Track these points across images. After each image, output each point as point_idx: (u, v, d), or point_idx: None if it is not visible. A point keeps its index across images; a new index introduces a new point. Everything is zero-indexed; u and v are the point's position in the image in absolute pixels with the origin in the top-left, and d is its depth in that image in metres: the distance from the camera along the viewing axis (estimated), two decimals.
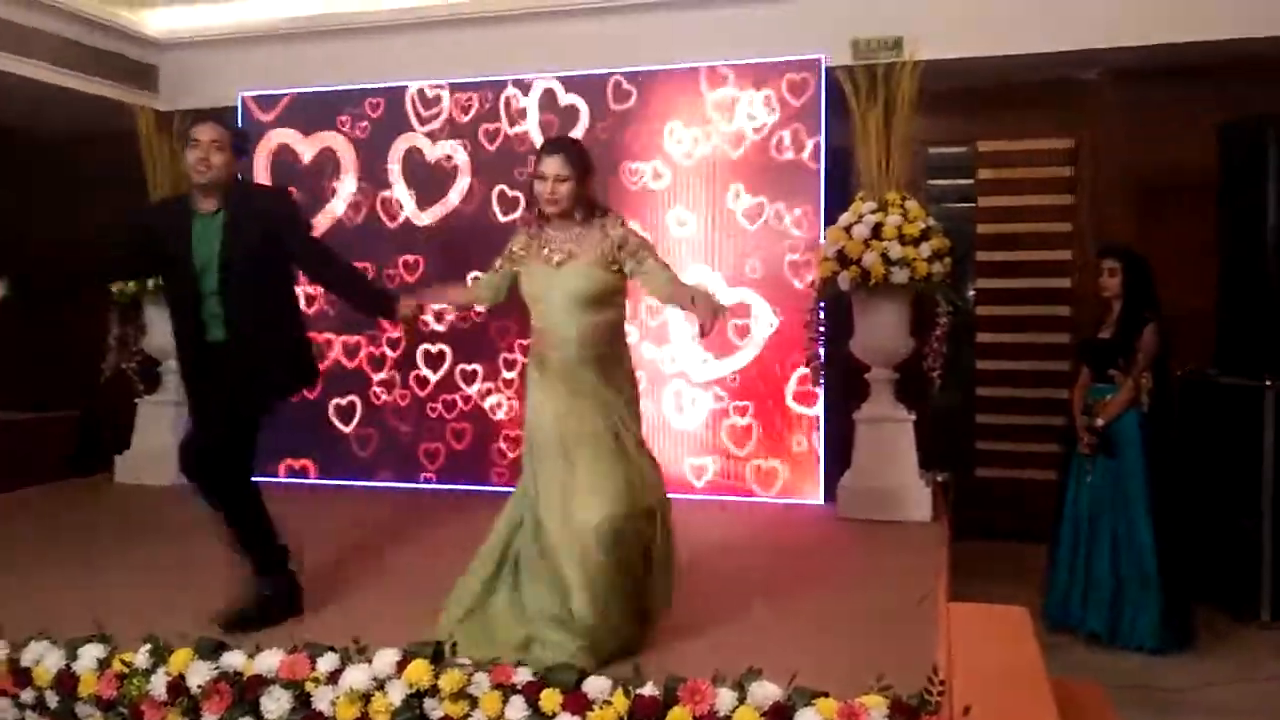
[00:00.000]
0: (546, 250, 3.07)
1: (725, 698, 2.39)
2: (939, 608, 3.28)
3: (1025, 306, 5.85)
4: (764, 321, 5.28)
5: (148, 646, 2.76)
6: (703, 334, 2.90)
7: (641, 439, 3.12)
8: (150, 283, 5.70)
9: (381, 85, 5.84)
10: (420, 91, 5.79)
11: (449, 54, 5.86)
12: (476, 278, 3.52)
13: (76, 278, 3.84)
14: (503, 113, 5.67)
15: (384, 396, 5.82)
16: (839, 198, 5.14)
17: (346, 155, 5.89)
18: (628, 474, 2.97)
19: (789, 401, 5.23)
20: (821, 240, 5.05)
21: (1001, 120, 5.83)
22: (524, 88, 5.64)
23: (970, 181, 6.04)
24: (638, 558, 2.99)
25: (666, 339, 5.42)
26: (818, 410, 5.19)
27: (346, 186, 5.90)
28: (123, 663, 2.73)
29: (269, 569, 3.39)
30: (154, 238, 3.40)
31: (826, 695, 2.38)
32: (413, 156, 5.82)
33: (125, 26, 6.14)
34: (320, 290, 5.65)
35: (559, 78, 5.58)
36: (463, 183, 5.74)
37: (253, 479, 3.44)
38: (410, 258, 5.78)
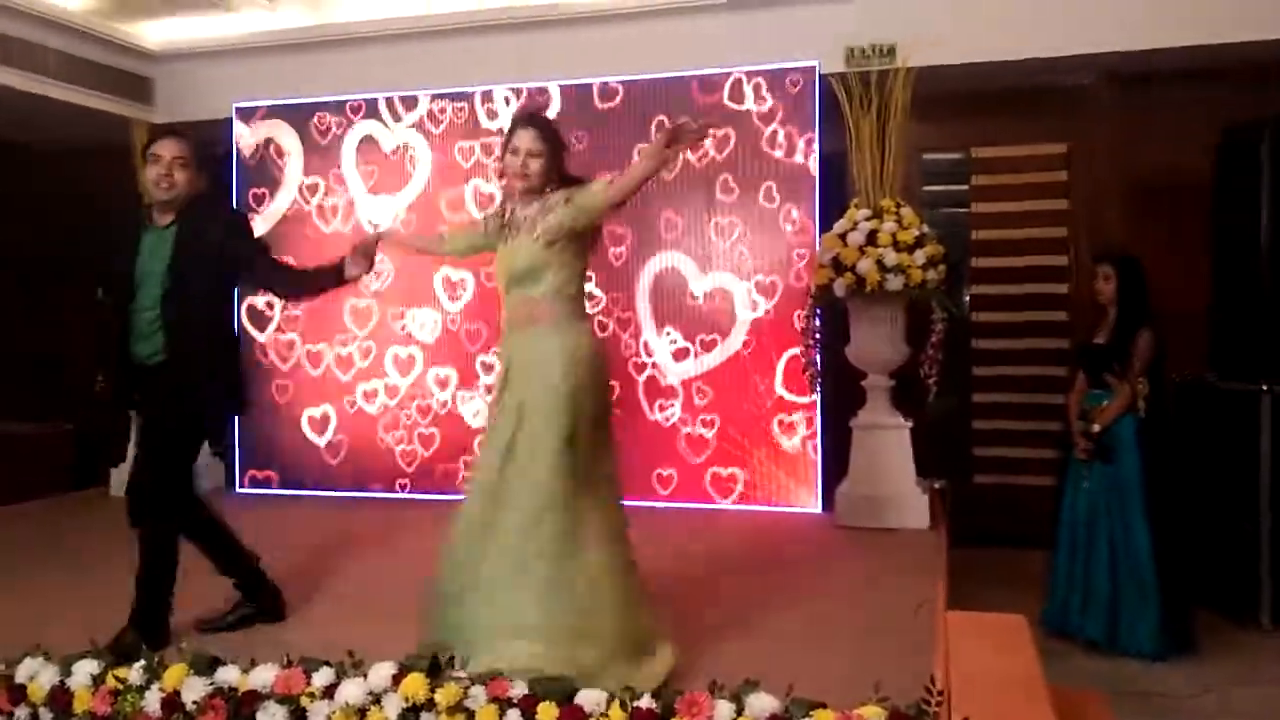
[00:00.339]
0: (507, 229, 3.00)
1: (723, 709, 2.38)
2: (937, 616, 3.26)
3: (1021, 312, 5.85)
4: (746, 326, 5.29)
5: (141, 662, 2.75)
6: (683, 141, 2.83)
7: (571, 435, 2.86)
8: None
9: (370, 94, 5.88)
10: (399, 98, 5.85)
11: (439, 63, 5.87)
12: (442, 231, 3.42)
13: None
14: (482, 118, 5.71)
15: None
16: (834, 204, 5.14)
17: (328, 161, 5.94)
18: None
19: (784, 408, 5.23)
20: (817, 247, 5.05)
21: (996, 126, 5.83)
22: (516, 94, 5.67)
23: (965, 187, 6.04)
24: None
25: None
26: (814, 417, 5.19)
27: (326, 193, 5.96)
28: (117, 679, 2.72)
29: (253, 587, 3.47)
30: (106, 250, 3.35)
31: (824, 706, 2.37)
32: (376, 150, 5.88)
33: (123, 40, 6.15)
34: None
35: (557, 84, 5.60)
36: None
37: (196, 504, 3.40)
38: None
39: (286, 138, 6.02)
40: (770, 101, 5.28)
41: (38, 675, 2.78)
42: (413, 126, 5.82)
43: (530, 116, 3.09)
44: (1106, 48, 5.12)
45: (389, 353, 5.84)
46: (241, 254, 3.34)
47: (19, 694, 2.77)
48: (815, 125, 5.21)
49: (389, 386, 5.85)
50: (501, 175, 3.09)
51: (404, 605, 3.17)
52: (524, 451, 2.84)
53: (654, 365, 5.45)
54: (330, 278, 3.41)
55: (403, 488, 5.79)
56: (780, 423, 5.23)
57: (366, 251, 3.34)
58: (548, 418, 2.84)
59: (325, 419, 5.94)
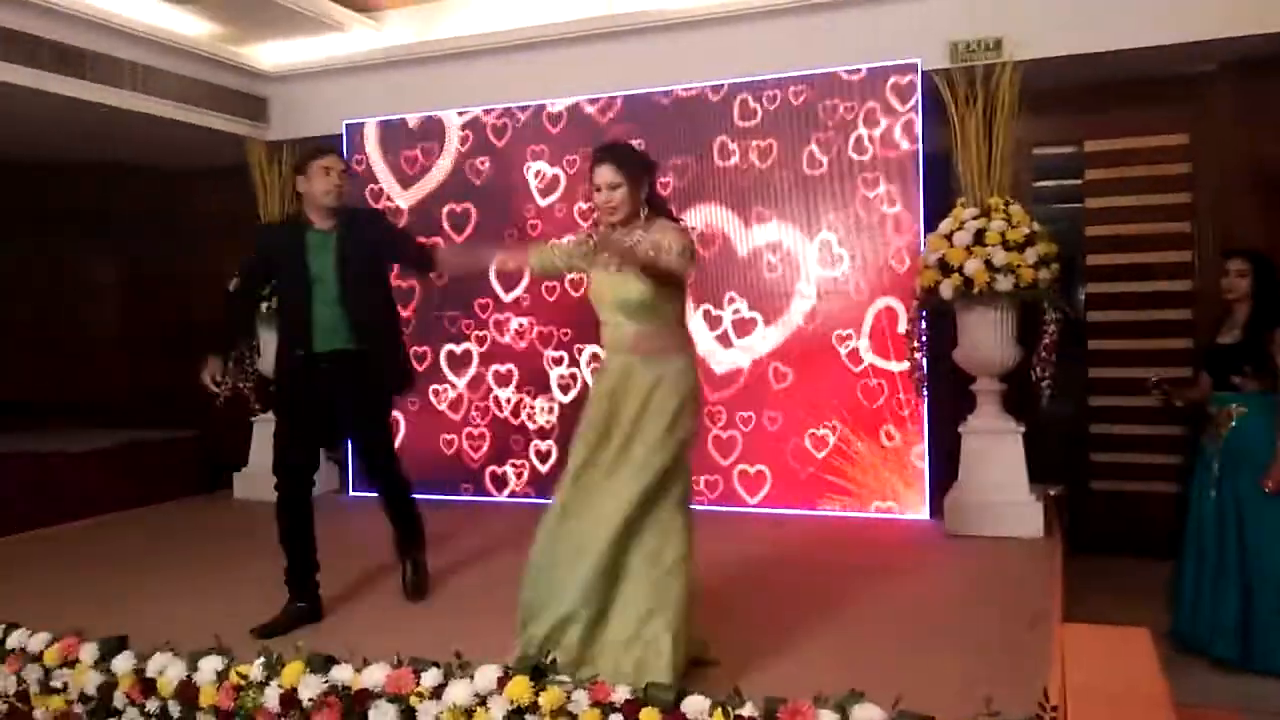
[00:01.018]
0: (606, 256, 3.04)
1: (827, 719, 2.35)
2: (1052, 628, 3.15)
3: (1141, 311, 5.59)
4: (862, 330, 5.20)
5: (262, 660, 2.86)
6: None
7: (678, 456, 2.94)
8: (264, 306, 5.95)
9: (481, 108, 5.99)
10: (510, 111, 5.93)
11: (549, 74, 5.94)
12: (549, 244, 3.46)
13: (231, 326, 4.20)
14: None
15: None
16: (938, 205, 5.02)
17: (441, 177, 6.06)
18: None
19: (892, 413, 5.13)
20: (922, 249, 4.94)
21: (1110, 118, 5.59)
22: (635, 101, 5.70)
23: (1078, 182, 5.82)
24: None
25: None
26: (922, 423, 5.08)
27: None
28: (239, 675, 2.84)
29: (419, 545, 3.98)
30: (271, 255, 3.78)
31: (933, 719, 2.31)
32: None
33: (239, 62, 6.44)
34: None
35: (654, 91, 5.64)
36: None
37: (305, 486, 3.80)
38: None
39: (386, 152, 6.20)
40: (872, 101, 5.19)
41: (166, 670, 2.93)
42: (516, 138, 5.93)
43: (606, 149, 3.12)
44: (1227, 33, 4.85)
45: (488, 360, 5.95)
46: (396, 244, 3.92)
47: (149, 687, 2.92)
48: (918, 124, 5.10)
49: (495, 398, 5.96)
50: (592, 209, 3.26)
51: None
52: (626, 472, 2.89)
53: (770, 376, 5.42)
54: (423, 265, 4.02)
55: (522, 493, 5.89)
56: (886, 434, 5.14)
57: (449, 259, 4.03)
58: (657, 444, 2.90)
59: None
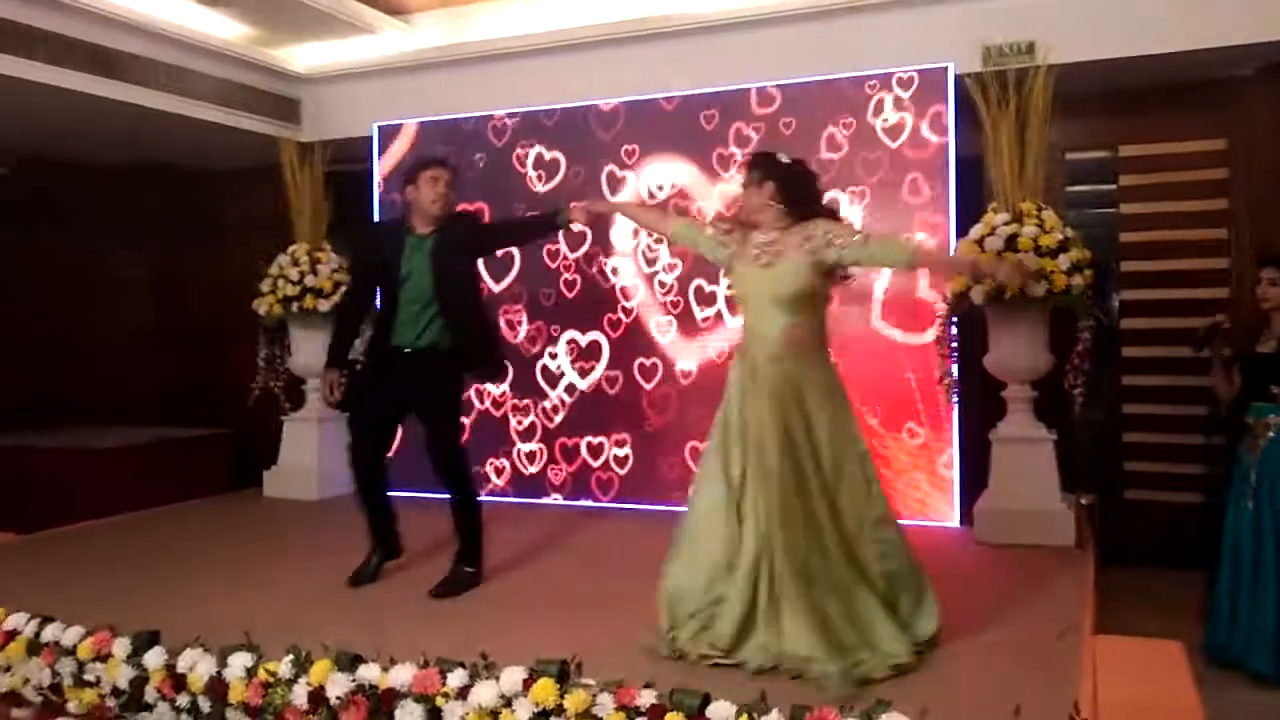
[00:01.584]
0: (756, 252, 3.23)
1: None
2: (1083, 640, 3.11)
3: (1176, 318, 5.51)
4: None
5: (290, 657, 2.88)
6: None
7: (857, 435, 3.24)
8: (295, 305, 6.01)
9: (514, 110, 5.99)
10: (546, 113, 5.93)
11: (582, 77, 5.95)
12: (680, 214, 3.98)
13: (341, 336, 4.22)
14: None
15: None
16: (969, 210, 4.98)
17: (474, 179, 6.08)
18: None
19: (922, 420, 5.09)
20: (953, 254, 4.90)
21: (1145, 123, 5.52)
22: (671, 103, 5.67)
23: (1113, 188, 5.76)
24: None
25: None
26: (952, 429, 5.03)
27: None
28: (268, 672, 2.86)
29: (467, 551, 4.03)
30: (375, 257, 4.04)
31: None
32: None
33: (272, 64, 6.51)
34: None
35: (686, 95, 5.62)
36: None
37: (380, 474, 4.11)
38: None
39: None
40: (904, 105, 5.16)
41: (196, 666, 2.96)
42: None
43: (753, 157, 3.41)
44: (1263, 37, 4.78)
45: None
46: (495, 234, 4.33)
47: (180, 683, 2.95)
48: (949, 129, 5.06)
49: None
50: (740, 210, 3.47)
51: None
52: (832, 472, 3.12)
53: None
54: (541, 229, 4.31)
55: (501, 492, 5.89)
56: (910, 430, 5.10)
57: (592, 208, 4.03)
58: (851, 437, 3.19)
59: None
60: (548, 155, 5.93)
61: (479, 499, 4.17)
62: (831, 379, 3.21)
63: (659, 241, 5.54)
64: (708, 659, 2.99)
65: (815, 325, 3.21)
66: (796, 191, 3.24)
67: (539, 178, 5.93)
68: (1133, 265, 5.67)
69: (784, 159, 3.30)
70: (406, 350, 3.94)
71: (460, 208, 4.37)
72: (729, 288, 3.40)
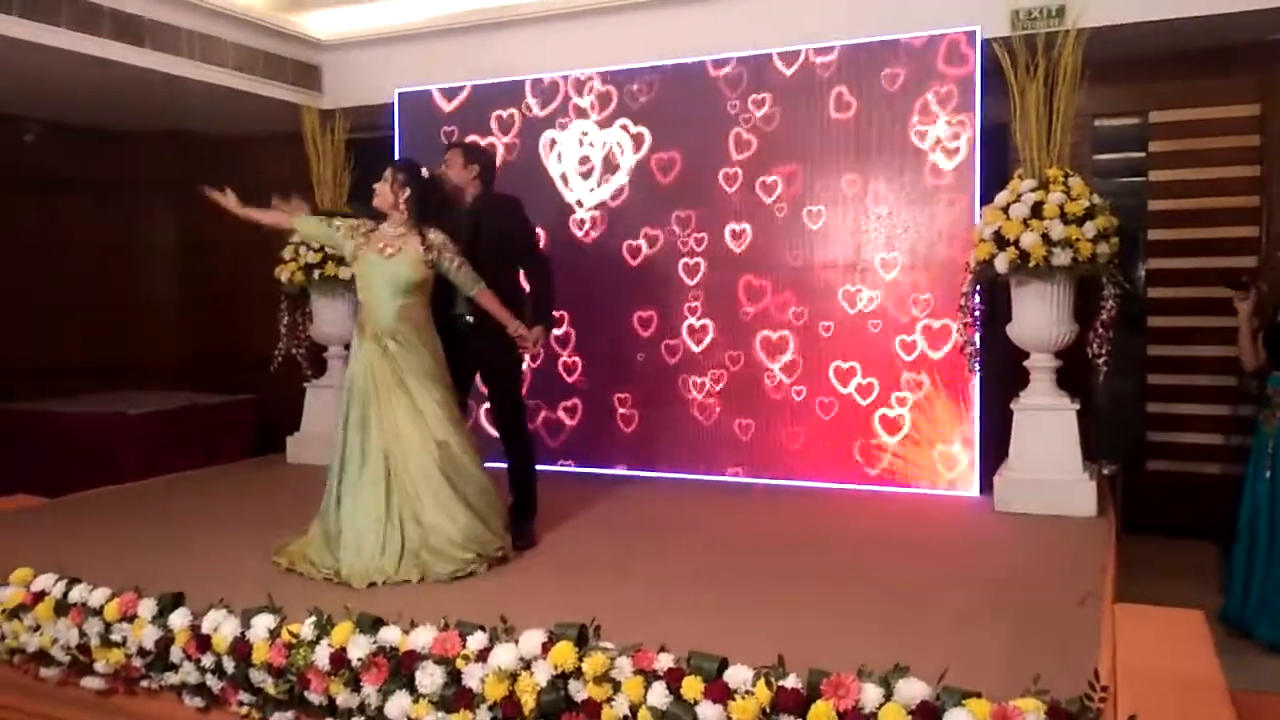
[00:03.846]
0: (381, 244, 3.87)
1: (871, 693, 2.33)
2: (1103, 608, 3.10)
3: (1204, 288, 5.44)
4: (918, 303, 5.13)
5: (312, 619, 2.92)
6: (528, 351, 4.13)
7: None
8: (316, 273, 6.02)
9: (538, 76, 5.93)
10: (576, 80, 5.87)
11: (605, 42, 5.89)
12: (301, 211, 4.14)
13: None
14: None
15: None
16: (995, 176, 4.91)
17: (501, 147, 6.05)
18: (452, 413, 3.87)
19: (942, 389, 5.07)
20: (976, 221, 4.84)
21: (1176, 88, 5.43)
22: (682, 71, 5.60)
23: (1143, 154, 5.66)
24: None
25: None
26: (973, 398, 5.00)
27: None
28: (290, 633, 2.90)
29: (523, 516, 4.19)
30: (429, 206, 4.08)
31: (978, 695, 2.28)
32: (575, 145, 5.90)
33: (293, 30, 6.49)
34: None
35: (711, 60, 5.55)
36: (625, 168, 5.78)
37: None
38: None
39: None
40: (929, 69, 5.08)
41: (220, 627, 3.00)
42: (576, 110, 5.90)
43: (397, 164, 4.02)
44: None
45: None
46: (518, 240, 4.29)
47: (205, 643, 3.00)
48: (976, 94, 4.98)
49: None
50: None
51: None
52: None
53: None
54: (540, 319, 4.25)
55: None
56: (936, 409, 5.07)
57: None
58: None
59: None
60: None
61: (535, 465, 4.36)
62: (428, 348, 3.88)
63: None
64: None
65: (422, 305, 3.89)
66: (426, 205, 3.92)
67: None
68: (1161, 234, 5.59)
69: (424, 173, 3.98)
70: (461, 320, 4.13)
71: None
72: (353, 275, 3.95)
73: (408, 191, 3.89)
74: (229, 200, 4.13)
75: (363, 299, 3.94)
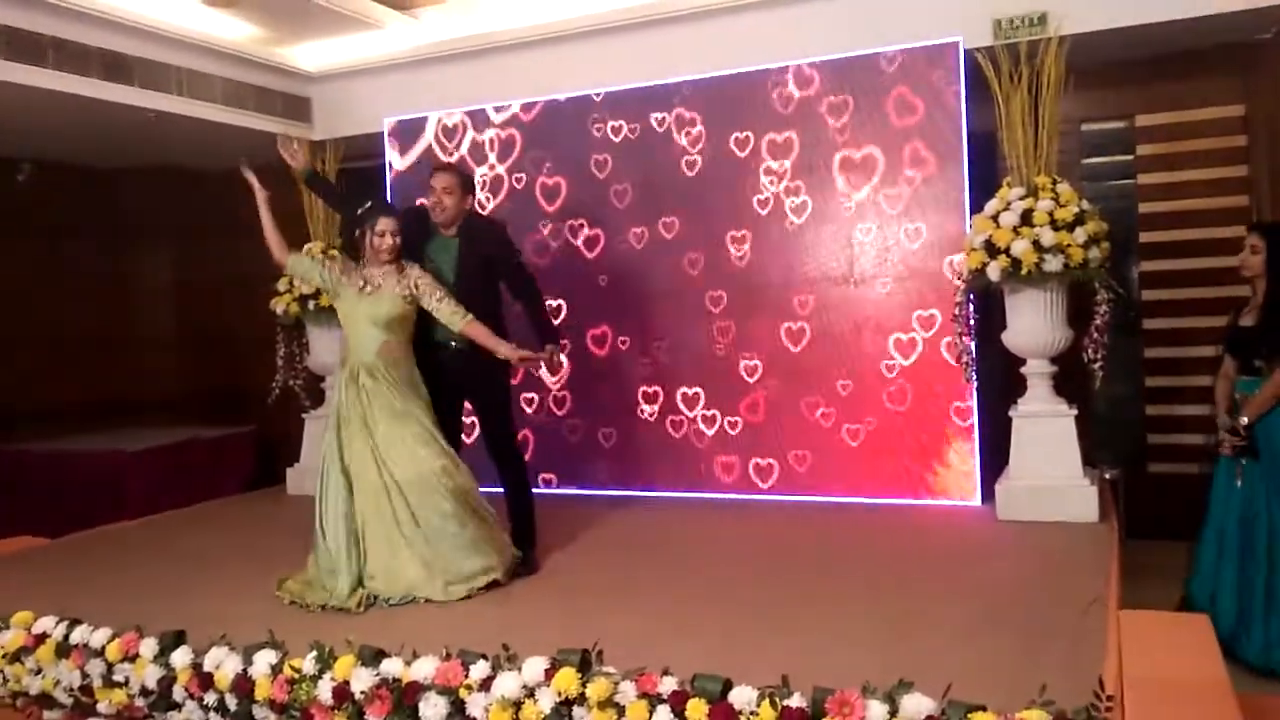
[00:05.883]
0: (362, 283, 3.93)
1: (875, 710, 2.32)
2: (1108, 614, 3.09)
3: (1197, 289, 5.45)
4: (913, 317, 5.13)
5: (314, 653, 2.91)
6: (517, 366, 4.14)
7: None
8: (311, 304, 6.03)
9: (526, 100, 5.97)
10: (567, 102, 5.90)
11: (591, 66, 5.91)
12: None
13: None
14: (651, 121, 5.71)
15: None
16: (983, 185, 4.93)
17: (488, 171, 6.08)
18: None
19: (940, 398, 5.06)
20: (966, 230, 4.86)
21: (1161, 91, 5.46)
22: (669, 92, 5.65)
23: (1130, 158, 5.68)
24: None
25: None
26: (972, 407, 5.00)
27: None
28: (292, 668, 2.89)
29: (532, 537, 4.20)
30: (411, 234, 4.08)
31: (984, 709, 2.27)
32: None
33: (281, 63, 6.52)
34: None
35: (696, 80, 5.60)
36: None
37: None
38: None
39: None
40: (913, 81, 5.10)
41: (223, 664, 2.99)
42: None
43: (400, 213, 4.10)
44: None
45: None
46: (499, 266, 4.23)
47: (207, 681, 2.98)
48: (960, 104, 5.01)
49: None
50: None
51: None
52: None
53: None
54: (542, 335, 4.21)
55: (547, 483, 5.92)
56: (935, 419, 5.06)
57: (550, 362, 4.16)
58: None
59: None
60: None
61: (531, 489, 4.35)
62: (411, 382, 3.96)
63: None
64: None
65: (404, 342, 3.97)
66: (408, 242, 4.00)
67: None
68: (1152, 236, 5.61)
69: (419, 202, 4.10)
70: (443, 348, 4.11)
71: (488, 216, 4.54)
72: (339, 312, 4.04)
73: (399, 240, 3.97)
74: (259, 190, 4.22)
75: (345, 334, 4.02)
